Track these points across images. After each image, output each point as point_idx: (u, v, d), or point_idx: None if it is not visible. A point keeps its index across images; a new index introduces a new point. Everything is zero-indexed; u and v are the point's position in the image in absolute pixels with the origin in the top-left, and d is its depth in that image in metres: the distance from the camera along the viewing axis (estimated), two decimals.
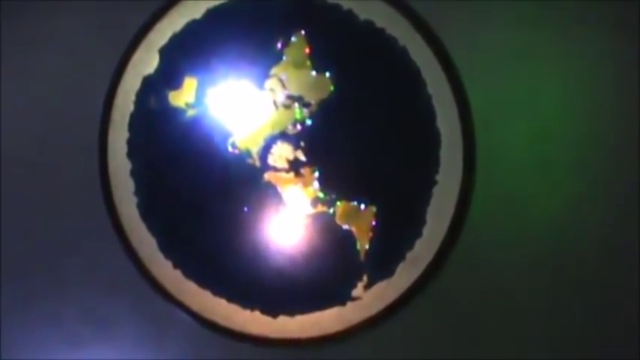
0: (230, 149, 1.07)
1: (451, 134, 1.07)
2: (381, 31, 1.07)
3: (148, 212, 1.09)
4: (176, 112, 1.08)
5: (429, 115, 1.07)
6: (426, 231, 1.07)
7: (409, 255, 1.07)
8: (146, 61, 1.08)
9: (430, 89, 1.07)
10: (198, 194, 1.09)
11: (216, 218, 1.08)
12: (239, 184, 1.08)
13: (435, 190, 1.08)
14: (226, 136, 1.07)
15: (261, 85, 1.07)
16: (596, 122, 1.08)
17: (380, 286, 1.08)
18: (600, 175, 1.08)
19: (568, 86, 1.08)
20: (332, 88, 1.06)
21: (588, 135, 1.08)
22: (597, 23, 1.07)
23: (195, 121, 1.07)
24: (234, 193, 1.08)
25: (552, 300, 1.07)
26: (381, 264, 1.07)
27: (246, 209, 1.07)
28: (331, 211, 1.07)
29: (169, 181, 1.09)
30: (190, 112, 1.07)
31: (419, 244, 1.07)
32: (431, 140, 1.07)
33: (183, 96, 1.07)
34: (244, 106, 1.07)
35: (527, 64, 1.08)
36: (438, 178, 1.08)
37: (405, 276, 1.08)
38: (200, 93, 1.07)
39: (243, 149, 1.07)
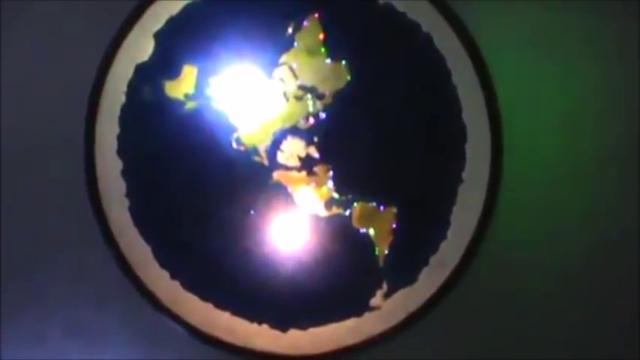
0: (235, 146, 0.99)
1: (478, 128, 1.01)
2: (403, 15, 1.01)
3: (141, 216, 1.00)
4: (173, 104, 0.99)
5: (454, 108, 1.01)
6: (451, 233, 1.02)
7: (433, 259, 1.02)
8: (140, 47, 0.99)
9: (455, 79, 1.01)
10: (199, 196, 1.01)
11: (219, 222, 1.01)
12: (245, 184, 1.00)
13: (461, 188, 1.02)
14: (230, 131, 1.00)
15: (269, 74, 0.99)
16: (636, 116, 1.02)
17: (401, 294, 1.01)
18: (636, 177, 1.04)
19: (604, 75, 1.03)
20: (348, 77, 0.99)
21: (625, 130, 1.04)
22: (634, 7, 1.02)
23: (195, 115, 0.99)
24: (239, 194, 1.00)
25: (588, 306, 1.04)
26: (403, 270, 1.01)
27: (252, 212, 1.00)
28: (347, 213, 1.01)
29: (166, 182, 1.01)
30: (190, 105, 0.99)
31: (443, 248, 1.02)
32: (456, 134, 1.02)
33: (182, 86, 0.99)
34: (250, 98, 0.99)
35: (558, 54, 1.05)
36: (464, 175, 1.02)
37: (428, 282, 1.02)
38: (201, 83, 0.99)
39: (250, 146, 1.00)
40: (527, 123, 1.05)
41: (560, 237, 1.05)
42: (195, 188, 0.99)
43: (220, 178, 0.99)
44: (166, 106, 0.99)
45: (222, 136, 0.99)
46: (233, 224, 1.00)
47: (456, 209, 1.02)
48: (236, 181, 1.00)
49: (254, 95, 0.99)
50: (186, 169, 0.99)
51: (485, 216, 1.02)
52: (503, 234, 1.03)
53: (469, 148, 1.01)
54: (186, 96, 0.99)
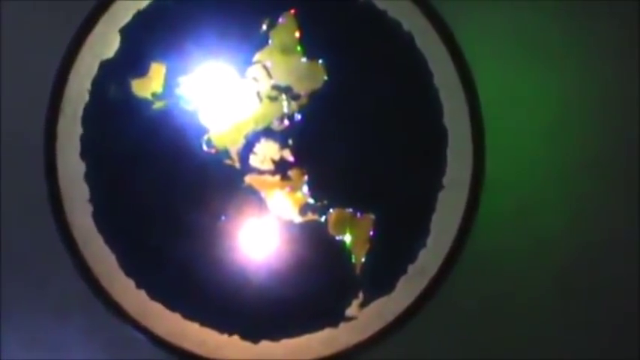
0: (205, 148, 0.96)
1: (459, 132, 0.99)
2: (383, 13, 0.98)
3: (105, 223, 0.97)
4: (140, 103, 0.96)
5: (436, 111, 0.99)
6: (430, 241, 1.00)
7: (411, 268, 0.99)
8: (105, 43, 0.96)
9: (437, 81, 0.99)
10: (167, 201, 0.98)
11: (188, 229, 0.98)
12: (215, 188, 0.98)
13: (441, 195, 1.00)
14: (201, 132, 0.97)
15: (242, 73, 0.96)
16: (620, 117, 1.01)
17: (378, 304, 0.99)
18: (621, 178, 1.03)
19: (587, 77, 1.03)
20: (325, 77, 0.97)
21: (610, 132, 1.03)
22: (618, 8, 1.01)
23: (164, 115, 0.96)
24: (209, 199, 0.97)
25: (573, 313, 1.03)
26: (380, 279, 0.99)
27: (223, 218, 0.97)
28: (323, 219, 0.99)
29: (132, 186, 0.97)
30: (158, 104, 0.96)
31: (422, 256, 1.00)
32: (437, 138, 0.99)
33: (150, 85, 0.96)
34: (222, 98, 0.96)
35: (541, 56, 1.03)
36: (445, 181, 1.00)
37: (406, 292, 0.99)
38: (169, 81, 0.96)
39: (221, 148, 0.97)
40: (509, 126, 1.03)
41: (544, 243, 1.03)
42: (163, 193, 0.97)
43: (190, 181, 0.97)
44: (133, 106, 0.96)
45: (191, 138, 0.96)
46: (203, 230, 0.97)
47: (435, 216, 1.00)
48: (206, 186, 0.97)
49: (226, 95, 0.96)
50: (153, 173, 0.96)
51: (467, 223, 1.00)
52: (484, 241, 1.01)
53: (450, 153, 0.99)
54: (154, 95, 0.96)
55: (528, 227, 1.03)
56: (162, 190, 0.97)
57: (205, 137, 0.96)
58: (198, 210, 0.97)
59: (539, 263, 1.03)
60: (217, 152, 0.96)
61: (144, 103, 0.96)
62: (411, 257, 1.00)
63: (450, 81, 0.98)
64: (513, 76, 1.02)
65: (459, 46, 0.96)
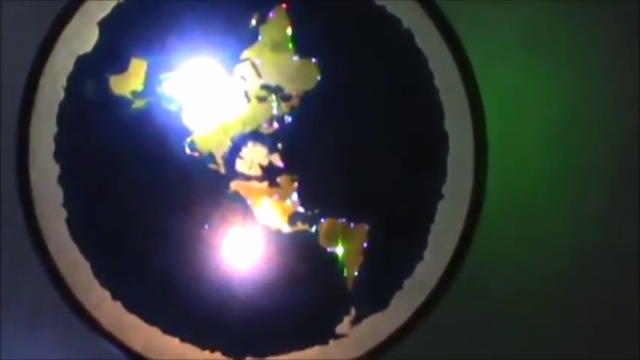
0: (188, 151, 0.92)
1: (461, 138, 0.95)
2: (381, 9, 0.94)
3: (80, 229, 0.93)
4: (119, 102, 0.92)
5: (436, 114, 0.95)
6: (428, 254, 0.96)
7: (407, 283, 0.95)
8: (82, 37, 0.92)
9: (438, 82, 0.95)
10: (147, 207, 0.94)
11: (168, 237, 0.94)
12: (198, 194, 0.94)
13: (441, 205, 0.96)
14: (183, 134, 0.93)
15: (229, 71, 0.92)
16: (624, 121, 0.99)
17: (371, 321, 0.95)
18: (629, 180, 1.00)
19: (593, 80, 1.00)
20: (318, 77, 0.93)
21: (615, 137, 1.00)
22: (624, 8, 0.99)
23: (144, 115, 0.92)
24: (192, 206, 0.93)
25: (576, 330, 1.00)
26: (373, 294, 0.95)
27: (206, 226, 0.93)
28: (314, 229, 0.95)
29: (109, 191, 0.94)
30: (138, 103, 0.92)
31: (419, 270, 0.96)
32: (437, 144, 0.95)
33: (129, 82, 0.92)
34: (207, 98, 0.93)
35: (545, 57, 1.00)
36: (445, 190, 0.96)
37: (401, 308, 0.95)
38: (151, 79, 0.92)
39: (205, 151, 0.93)
40: (513, 131, 1.00)
41: (547, 258, 1.00)
42: (143, 198, 0.93)
43: (171, 187, 0.93)
44: (111, 105, 0.92)
45: (174, 140, 0.92)
46: (184, 240, 0.93)
47: (434, 228, 0.96)
48: (189, 191, 0.93)
49: (211, 94, 0.92)
50: (132, 176, 0.93)
51: (467, 236, 0.95)
52: (485, 256, 0.99)
53: (451, 159, 0.95)
54: (134, 93, 0.92)
55: (533, 238, 1.00)
56: (142, 195, 0.93)
57: (188, 139, 0.92)
58: (179, 217, 0.93)
59: (544, 277, 1.00)
60: (201, 156, 0.93)
61: (123, 102, 0.92)
62: (407, 271, 0.96)
63: (451, 82, 0.94)
64: (517, 77, 1.00)
65: (462, 45, 0.92)
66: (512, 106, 1.00)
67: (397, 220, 0.96)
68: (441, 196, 0.96)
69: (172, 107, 0.92)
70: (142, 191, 0.93)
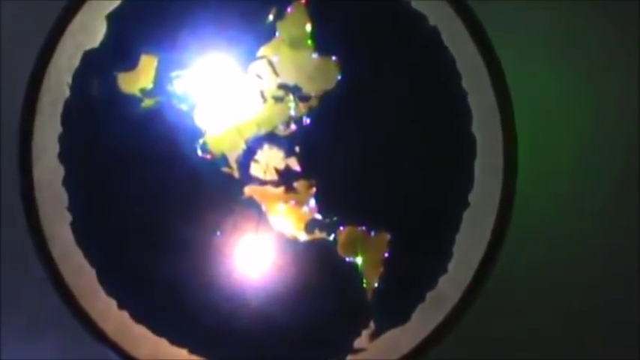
0: (200, 153, 0.90)
1: (489, 142, 0.91)
2: (406, 4, 0.91)
3: (85, 234, 0.90)
4: (128, 100, 0.89)
5: (464, 117, 0.91)
6: (452, 266, 0.92)
7: (430, 295, 0.92)
8: (89, 31, 0.89)
9: (466, 84, 0.91)
10: (156, 212, 0.91)
11: (178, 244, 0.91)
12: (211, 199, 0.91)
13: (467, 214, 0.92)
14: (195, 135, 0.90)
15: (244, 69, 0.89)
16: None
17: (391, 335, 0.92)
18: None
19: (623, 80, 0.97)
20: (339, 76, 0.90)
21: None
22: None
23: (154, 114, 0.90)
24: (203, 211, 0.90)
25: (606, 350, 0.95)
26: (394, 307, 0.92)
27: (218, 233, 0.90)
28: (332, 238, 0.91)
29: (116, 194, 0.91)
30: (147, 102, 0.89)
31: (443, 282, 0.92)
32: (464, 149, 0.92)
33: (139, 80, 0.89)
34: (221, 97, 0.90)
35: (577, 58, 0.97)
36: (471, 198, 0.92)
37: (423, 322, 0.92)
38: (161, 76, 0.89)
39: (218, 154, 0.90)
40: (543, 135, 0.97)
41: (577, 271, 0.96)
42: (152, 202, 0.90)
43: (182, 191, 0.90)
44: (119, 103, 0.89)
45: (185, 142, 0.90)
46: (195, 247, 0.90)
47: (459, 238, 0.92)
48: (200, 196, 0.90)
49: (225, 94, 0.90)
50: (141, 180, 0.90)
51: (494, 247, 0.91)
52: (512, 268, 0.95)
53: (478, 166, 0.91)
54: (144, 92, 0.89)
55: (565, 250, 0.97)
56: (151, 199, 0.90)
57: (201, 141, 0.89)
58: (190, 223, 0.90)
59: (578, 294, 0.96)
60: (214, 158, 0.90)
61: (132, 101, 0.89)
62: (430, 283, 0.92)
63: (480, 83, 0.90)
64: (547, 77, 0.96)
65: (491, 45, 0.88)
66: (542, 107, 0.96)
67: (420, 230, 0.93)
68: (467, 205, 0.92)
69: (184, 107, 0.90)
70: (150, 195, 0.90)
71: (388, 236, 0.92)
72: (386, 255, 0.93)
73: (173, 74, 0.89)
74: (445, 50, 0.91)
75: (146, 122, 0.89)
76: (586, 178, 0.96)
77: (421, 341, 0.92)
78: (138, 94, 0.89)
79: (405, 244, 0.92)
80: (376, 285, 0.93)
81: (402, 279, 0.93)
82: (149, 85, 0.89)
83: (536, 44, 0.95)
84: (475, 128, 0.92)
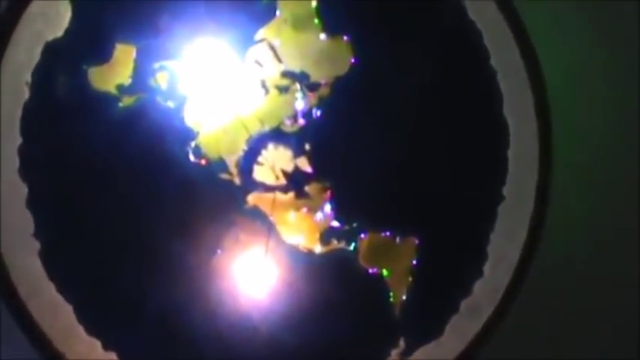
0: (192, 158, 0.83)
1: (523, 128, 0.85)
2: None
3: (57, 264, 0.82)
4: (102, 101, 0.82)
5: (493, 100, 0.85)
6: (488, 269, 0.86)
7: (465, 304, 0.86)
8: (49, 18, 0.81)
9: (495, 62, 0.84)
10: (143, 232, 0.83)
11: (172, 268, 0.83)
12: (208, 212, 0.84)
13: (502, 209, 0.86)
14: (186, 137, 0.83)
15: (241, 56, 0.83)
16: None
17: (423, 352, 0.86)
18: None
19: None
20: (351, 59, 0.84)
21: None
22: None
23: (135, 115, 0.82)
24: (200, 227, 0.84)
25: None
26: (425, 320, 0.86)
27: (219, 252, 0.84)
28: (352, 247, 0.85)
29: (93, 214, 0.83)
30: (126, 101, 0.82)
31: (478, 288, 0.86)
32: (495, 137, 0.85)
33: (114, 74, 0.82)
34: (214, 90, 0.83)
35: (612, 34, 0.89)
36: (506, 191, 0.86)
37: (458, 335, 0.86)
38: (142, 69, 0.82)
39: (214, 158, 0.83)
40: (579, 119, 0.88)
41: (624, 268, 0.89)
42: (137, 221, 0.83)
43: (173, 204, 0.83)
44: (92, 104, 0.82)
45: (174, 146, 0.83)
46: (192, 269, 0.83)
47: (494, 237, 0.86)
48: (195, 209, 0.83)
49: (219, 86, 0.83)
50: (123, 194, 0.83)
51: (532, 245, 0.86)
52: (554, 269, 0.87)
53: (512, 156, 0.85)
54: (121, 88, 0.82)
55: (607, 244, 0.89)
56: (136, 216, 0.83)
57: (193, 144, 0.83)
58: (185, 242, 0.83)
59: (616, 292, 0.89)
60: (209, 163, 0.83)
61: (107, 100, 0.82)
62: (465, 290, 0.86)
63: (510, 61, 0.84)
64: (582, 56, 0.88)
65: (520, 16, 0.84)
66: (576, 87, 0.89)
67: (451, 231, 0.86)
68: (502, 199, 0.86)
69: (170, 104, 0.83)
70: (135, 212, 0.83)
71: (416, 241, 0.86)
72: (414, 262, 0.86)
73: (156, 66, 0.82)
74: (471, 25, 0.84)
75: (126, 125, 0.82)
76: (627, 163, 0.90)
77: (457, 357, 0.86)
78: (114, 91, 0.82)
79: (434, 249, 0.86)
80: (404, 297, 0.86)
81: (433, 288, 0.86)
82: (127, 81, 0.82)
83: (570, 16, 0.88)
84: (506, 112, 0.85)
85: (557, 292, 0.90)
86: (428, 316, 0.86)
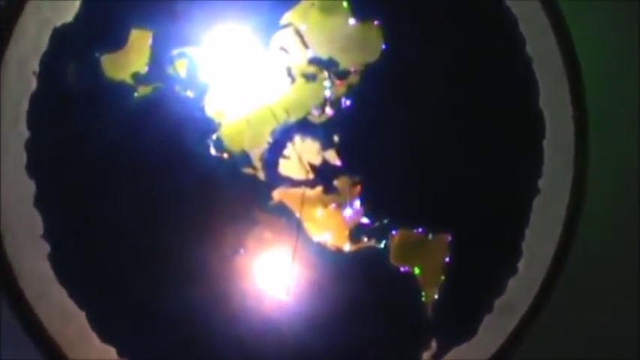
0: (213, 152, 0.79)
1: (559, 118, 0.82)
2: None
3: (68, 267, 0.78)
4: (117, 91, 0.78)
5: (529, 89, 0.82)
6: (523, 266, 0.83)
7: (498, 303, 0.83)
8: (57, 3, 0.76)
9: (531, 50, 0.81)
10: (160, 231, 0.80)
11: (190, 270, 0.80)
12: (230, 210, 0.80)
13: (537, 202, 0.82)
14: (206, 129, 0.79)
15: (265, 43, 0.79)
16: None
17: (456, 353, 0.83)
18: None
19: None
20: (382, 45, 0.80)
21: None
22: None
23: (152, 106, 0.79)
24: (221, 225, 0.80)
25: None
26: (458, 320, 0.83)
27: (242, 251, 0.80)
28: (382, 245, 0.82)
29: (107, 213, 0.79)
30: (142, 90, 0.78)
31: (513, 286, 0.83)
32: (531, 127, 0.82)
33: (129, 62, 0.78)
34: (237, 79, 0.79)
35: None
36: (542, 184, 0.83)
37: (491, 336, 0.83)
38: (159, 57, 0.78)
39: (236, 151, 0.80)
40: (618, 110, 0.87)
41: None
42: (153, 220, 0.79)
43: (192, 201, 0.79)
44: (105, 94, 0.78)
45: (193, 138, 0.79)
46: (212, 271, 0.80)
47: (529, 233, 0.83)
48: (216, 206, 0.80)
49: (242, 75, 0.79)
50: (137, 191, 0.79)
51: (568, 240, 0.83)
52: (591, 265, 0.86)
53: (548, 147, 0.82)
54: (137, 77, 0.78)
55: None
56: (152, 216, 0.79)
57: (214, 136, 0.79)
58: (204, 242, 0.79)
59: None
60: (232, 157, 0.80)
61: (121, 90, 0.78)
62: (498, 288, 0.83)
63: (547, 49, 0.81)
64: (618, 44, 0.87)
65: (558, 4, 0.81)
66: (615, 77, 0.87)
67: (485, 226, 0.83)
68: (537, 192, 0.83)
69: (190, 94, 0.80)
70: (151, 210, 0.79)
71: (449, 237, 0.83)
72: (446, 260, 0.83)
73: (174, 53, 0.78)
74: (506, 11, 0.81)
75: (142, 117, 0.78)
76: None
77: (491, 357, 0.83)
78: (129, 80, 0.78)
79: (468, 245, 0.83)
80: (436, 297, 0.83)
81: (466, 287, 0.83)
82: (143, 69, 0.78)
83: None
84: (542, 102, 0.82)
85: (592, 288, 0.87)
86: (461, 316, 0.83)
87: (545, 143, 0.83)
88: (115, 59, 0.78)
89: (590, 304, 0.88)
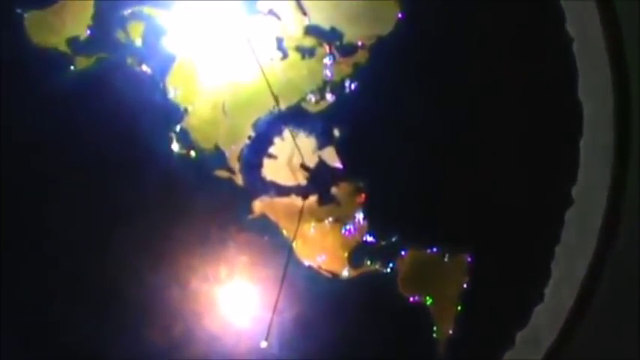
0: (176, 147, 0.65)
1: (600, 111, 0.67)
2: None
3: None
4: (46, 62, 0.62)
5: (568, 77, 0.66)
6: (550, 291, 0.70)
7: (521, 336, 0.69)
8: None
9: (571, 28, 0.65)
10: (103, 257, 0.66)
11: (144, 306, 0.66)
12: (196, 225, 0.67)
13: (569, 214, 0.69)
14: (169, 117, 0.65)
15: (250, 8, 0.64)
16: None
17: None
18: None
19: None
20: (398, 15, 0.65)
21: None
22: None
23: (94, 85, 0.64)
24: (184, 246, 0.67)
25: None
26: (475, 358, 0.71)
27: (211, 280, 0.68)
28: (389, 269, 0.67)
29: (32, 233, 0.64)
30: (82, 62, 0.63)
31: (538, 316, 0.70)
32: (567, 123, 0.68)
33: (64, 23, 0.61)
34: (211, 51, 0.65)
35: None
36: (575, 192, 0.68)
37: None
38: (106, 17, 0.62)
39: (207, 148, 0.66)
40: None
41: None
42: (93, 241, 0.66)
43: (146, 215, 0.66)
44: (30, 67, 0.63)
45: (151, 129, 0.65)
46: (173, 307, 0.67)
47: (560, 250, 0.69)
48: (179, 221, 0.67)
49: (219, 45, 0.65)
50: (73, 202, 0.66)
51: (602, 259, 0.69)
52: (628, 288, 0.68)
53: (585, 147, 0.68)
54: (74, 44, 0.62)
55: None
56: (91, 235, 0.66)
57: (177, 127, 0.65)
58: (162, 270, 0.66)
59: None
60: (200, 155, 0.66)
61: (52, 61, 0.63)
62: (522, 319, 0.69)
63: (589, 26, 0.64)
64: None
65: None
66: None
67: (510, 245, 0.70)
68: (571, 202, 0.69)
69: (147, 69, 0.64)
70: (90, 228, 0.66)
71: (468, 259, 0.69)
72: (464, 286, 0.69)
73: (126, 12, 0.62)
74: None
75: (80, 99, 0.64)
76: None
77: None
78: (63, 48, 0.63)
79: (490, 268, 0.70)
80: (451, 332, 0.69)
81: (486, 318, 0.70)
82: (83, 33, 0.62)
83: None
84: (582, 93, 0.67)
85: (629, 315, 0.74)
86: (477, 353, 0.70)
87: (582, 143, 0.68)
88: (44, 18, 0.59)
89: (626, 335, 0.76)
